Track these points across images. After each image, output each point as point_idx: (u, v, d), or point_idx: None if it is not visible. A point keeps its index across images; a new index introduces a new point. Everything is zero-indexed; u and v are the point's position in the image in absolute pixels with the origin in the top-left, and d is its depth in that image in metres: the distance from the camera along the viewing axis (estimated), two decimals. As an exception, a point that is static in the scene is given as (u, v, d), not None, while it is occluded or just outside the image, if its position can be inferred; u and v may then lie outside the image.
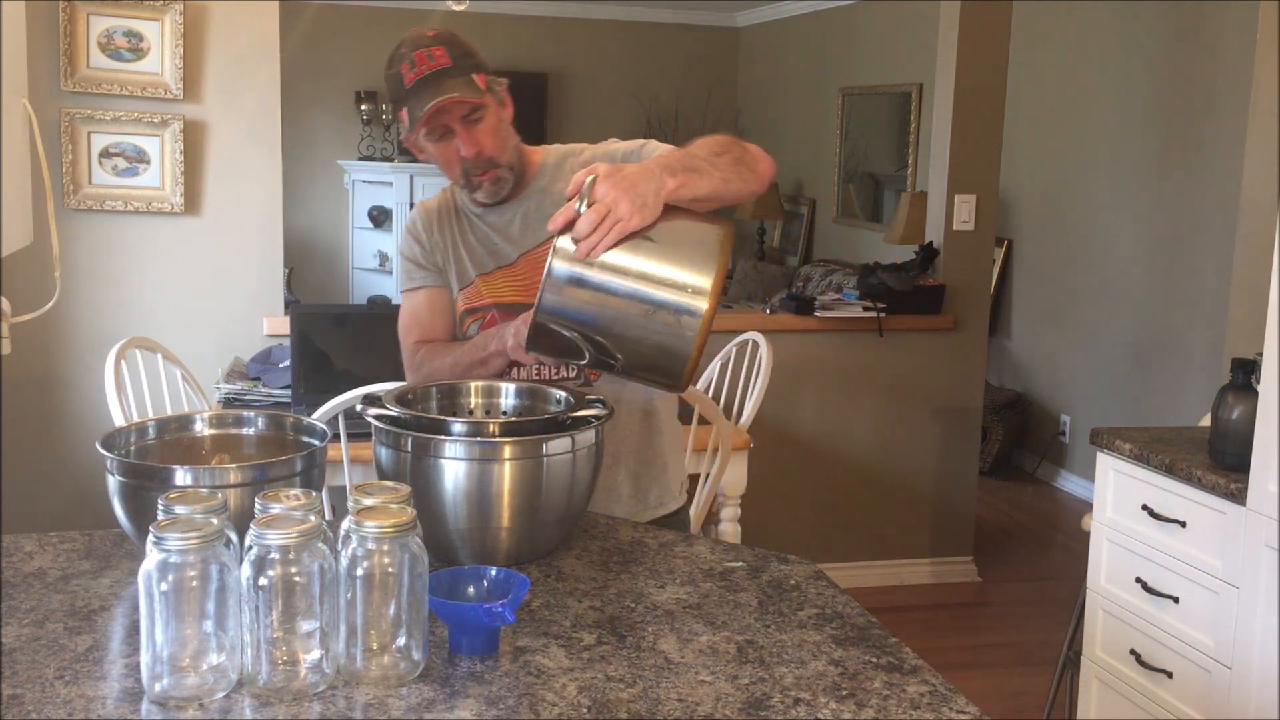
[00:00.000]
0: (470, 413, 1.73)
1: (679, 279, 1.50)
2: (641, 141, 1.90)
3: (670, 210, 1.55)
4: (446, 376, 1.85)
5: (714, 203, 1.66)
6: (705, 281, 1.49)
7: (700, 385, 3.72)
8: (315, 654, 1.18)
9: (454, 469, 1.48)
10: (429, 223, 1.99)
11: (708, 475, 3.03)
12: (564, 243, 1.50)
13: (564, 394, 1.66)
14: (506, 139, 1.88)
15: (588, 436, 1.56)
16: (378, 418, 1.56)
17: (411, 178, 7.99)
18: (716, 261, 1.50)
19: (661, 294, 1.49)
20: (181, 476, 1.41)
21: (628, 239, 1.51)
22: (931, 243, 4.28)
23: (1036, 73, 5.75)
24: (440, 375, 1.88)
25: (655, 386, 1.65)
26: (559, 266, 1.50)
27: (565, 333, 1.53)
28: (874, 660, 1.29)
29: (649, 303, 1.49)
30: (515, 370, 1.87)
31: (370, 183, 8.23)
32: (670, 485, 2.02)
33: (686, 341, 1.49)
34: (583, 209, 1.48)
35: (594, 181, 1.51)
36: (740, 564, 1.58)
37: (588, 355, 1.57)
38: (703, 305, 1.48)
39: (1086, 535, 2.76)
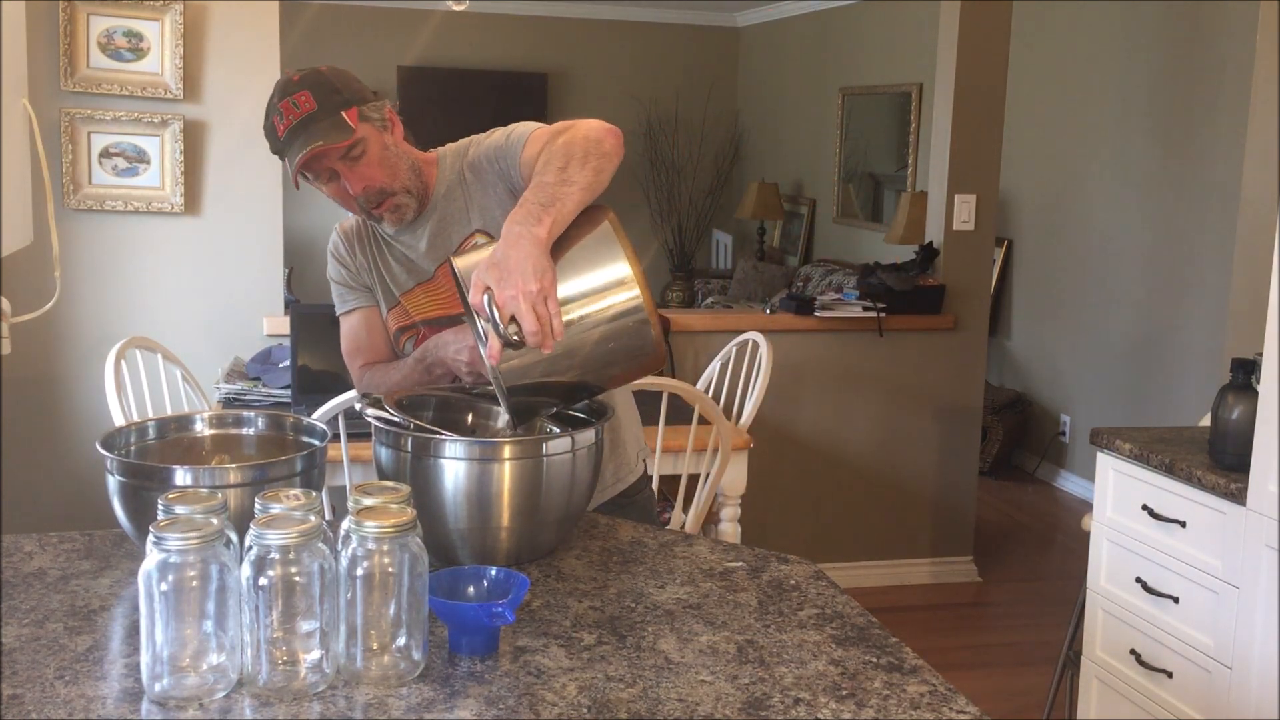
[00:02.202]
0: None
1: (602, 284, 1.53)
2: (511, 127, 1.87)
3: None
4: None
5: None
6: (623, 270, 1.53)
7: (700, 385, 3.72)
8: (315, 654, 1.18)
9: (454, 469, 1.49)
10: (350, 245, 1.97)
11: (708, 475, 3.03)
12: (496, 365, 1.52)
13: (557, 430, 1.68)
14: (397, 165, 1.83)
15: (587, 436, 1.57)
16: (378, 418, 1.56)
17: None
18: (619, 249, 1.54)
19: (598, 307, 1.52)
20: (181, 476, 1.41)
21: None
22: (931, 243, 4.27)
23: (1036, 73, 5.75)
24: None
25: (642, 375, 1.67)
26: (507, 379, 1.51)
27: (543, 395, 1.56)
28: (874, 660, 1.29)
29: (595, 325, 1.52)
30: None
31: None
32: (626, 458, 1.99)
33: (645, 330, 1.53)
34: (497, 321, 1.46)
35: (491, 295, 1.47)
36: (740, 564, 1.58)
37: (573, 398, 1.61)
38: (634, 291, 1.52)
39: (1086, 535, 2.76)
